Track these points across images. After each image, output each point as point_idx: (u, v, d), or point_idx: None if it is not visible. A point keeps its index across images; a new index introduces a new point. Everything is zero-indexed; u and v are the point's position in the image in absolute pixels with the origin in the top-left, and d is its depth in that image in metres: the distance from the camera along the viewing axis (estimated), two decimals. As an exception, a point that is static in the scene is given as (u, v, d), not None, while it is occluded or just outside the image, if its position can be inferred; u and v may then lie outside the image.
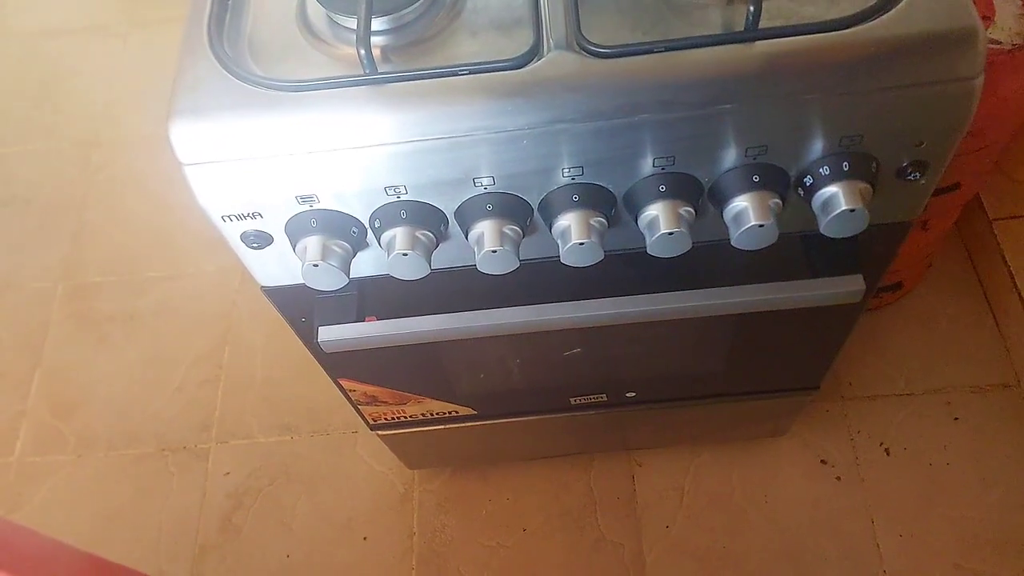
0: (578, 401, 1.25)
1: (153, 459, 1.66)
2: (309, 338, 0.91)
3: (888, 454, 1.52)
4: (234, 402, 1.71)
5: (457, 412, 1.24)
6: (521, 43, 0.70)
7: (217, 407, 1.70)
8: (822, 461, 1.53)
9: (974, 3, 0.67)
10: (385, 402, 1.18)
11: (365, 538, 1.54)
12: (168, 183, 1.93)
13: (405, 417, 1.24)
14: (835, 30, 0.67)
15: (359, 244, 0.76)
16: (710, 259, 0.83)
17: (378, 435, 1.32)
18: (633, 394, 1.25)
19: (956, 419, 1.54)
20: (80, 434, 1.70)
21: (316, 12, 0.76)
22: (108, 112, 2.17)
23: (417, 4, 0.74)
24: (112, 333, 1.82)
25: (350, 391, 1.14)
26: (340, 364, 1.06)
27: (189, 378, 1.74)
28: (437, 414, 1.24)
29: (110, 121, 2.15)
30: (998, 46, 1.07)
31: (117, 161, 2.08)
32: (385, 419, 1.24)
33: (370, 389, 1.14)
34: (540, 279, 0.84)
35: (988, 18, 1.09)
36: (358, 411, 1.21)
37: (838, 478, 1.51)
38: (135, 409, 1.72)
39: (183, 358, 1.77)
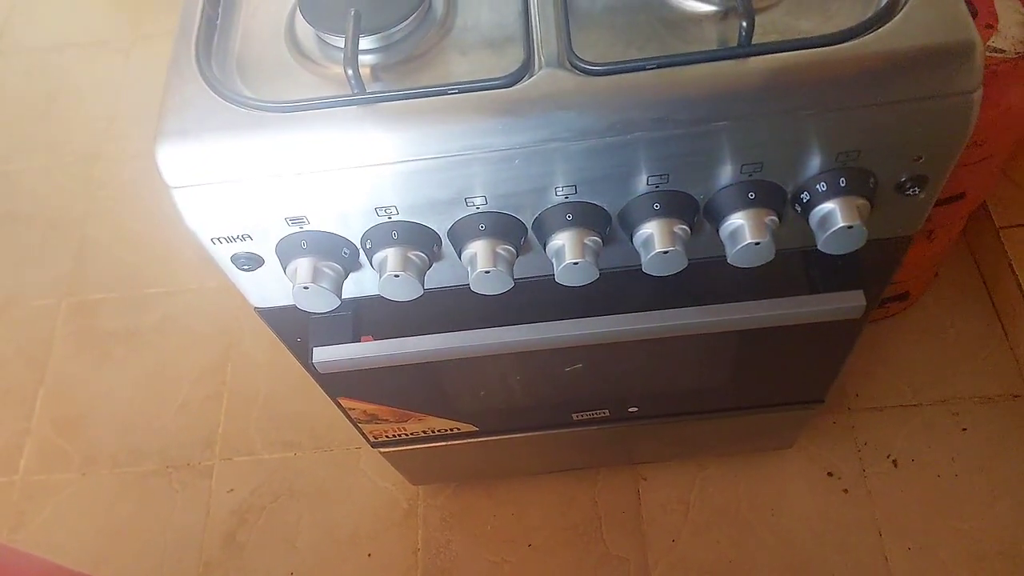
0: (580, 417, 1.24)
1: (157, 476, 1.66)
2: (305, 358, 0.90)
3: (895, 466, 1.51)
4: (237, 418, 1.70)
5: (458, 429, 1.24)
6: (512, 61, 0.69)
7: (220, 424, 1.70)
8: (829, 474, 1.52)
9: (978, 12, 0.65)
10: (385, 420, 1.17)
11: (369, 555, 1.53)
12: (169, 199, 1.93)
13: (406, 434, 1.23)
14: (830, 44, 0.65)
15: (351, 265, 0.76)
16: (708, 276, 0.82)
17: (380, 452, 1.31)
18: (636, 409, 1.23)
19: (964, 430, 1.53)
20: (84, 452, 1.70)
21: (304, 31, 0.76)
22: (111, 127, 2.17)
23: (406, 22, 0.73)
24: (115, 350, 1.81)
25: (349, 409, 1.13)
26: (337, 383, 1.05)
27: (192, 395, 1.74)
28: (438, 431, 1.23)
29: (112, 136, 2.15)
30: (1001, 55, 1.06)
31: (119, 177, 2.08)
32: (386, 436, 1.24)
33: (369, 407, 1.13)
34: (536, 297, 0.83)
35: (991, 27, 1.08)
36: (359, 429, 1.21)
37: (845, 491, 1.50)
38: (139, 426, 1.72)
39: (186, 374, 1.76)
